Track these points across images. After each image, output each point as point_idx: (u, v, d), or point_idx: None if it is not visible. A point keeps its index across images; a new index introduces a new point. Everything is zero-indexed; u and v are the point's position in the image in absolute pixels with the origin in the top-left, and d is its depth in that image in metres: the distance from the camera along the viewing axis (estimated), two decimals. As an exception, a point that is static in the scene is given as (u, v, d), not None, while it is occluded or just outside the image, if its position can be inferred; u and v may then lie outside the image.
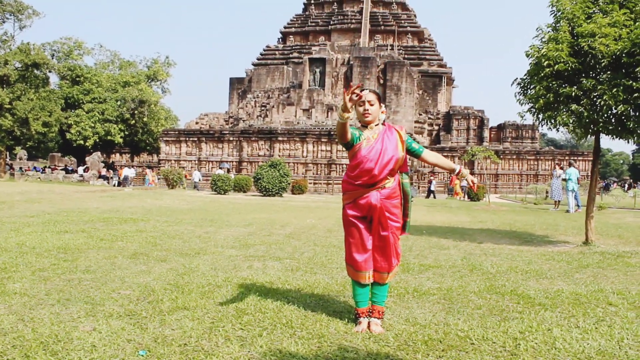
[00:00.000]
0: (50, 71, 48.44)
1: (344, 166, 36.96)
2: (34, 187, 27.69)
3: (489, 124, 49.52)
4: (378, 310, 4.06)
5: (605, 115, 8.84)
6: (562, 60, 8.64)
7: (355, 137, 3.99)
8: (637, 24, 8.40)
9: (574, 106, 8.80)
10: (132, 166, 48.11)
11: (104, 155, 53.43)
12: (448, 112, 50.69)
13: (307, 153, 39.13)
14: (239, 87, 54.06)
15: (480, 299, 5.01)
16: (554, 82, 8.95)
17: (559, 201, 22.35)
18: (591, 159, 10.19)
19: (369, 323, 3.97)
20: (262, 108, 47.44)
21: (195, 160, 41.45)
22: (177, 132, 43.13)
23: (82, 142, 48.06)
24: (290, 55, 53.27)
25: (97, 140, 48.69)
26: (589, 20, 8.79)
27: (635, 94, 8.15)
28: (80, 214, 12.74)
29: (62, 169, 48.23)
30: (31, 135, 43.62)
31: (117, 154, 58.85)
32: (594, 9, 9.08)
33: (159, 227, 10.54)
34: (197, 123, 49.95)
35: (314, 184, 38.37)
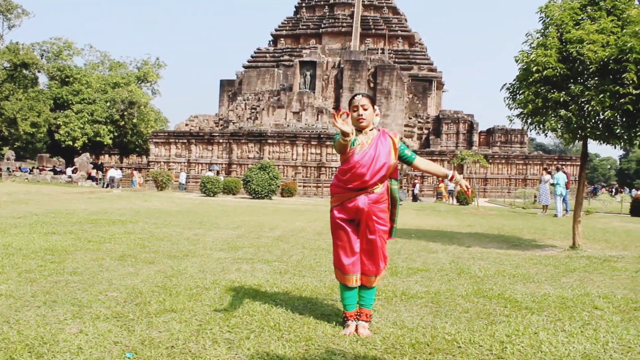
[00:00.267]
0: (39, 71, 48.25)
1: (334, 169, 36.98)
2: (22, 187, 27.48)
3: (478, 128, 49.76)
4: (366, 313, 4.07)
5: (593, 121, 8.94)
6: (550, 65, 8.72)
7: (350, 143, 3.99)
8: (624, 31, 8.49)
9: (562, 111, 8.88)
10: (121, 168, 47.92)
11: (93, 157, 53.14)
12: (438, 116, 50.90)
13: (297, 156, 39.13)
14: (230, 89, 53.99)
15: (467, 302, 5.03)
16: (542, 88, 9.02)
17: (546, 205, 22.49)
18: (579, 164, 10.27)
19: (356, 326, 3.97)
20: (252, 110, 47.39)
21: (184, 162, 41.33)
22: (166, 134, 42.98)
23: (70, 143, 47.80)
24: (281, 58, 53.29)
25: (86, 141, 48.46)
26: (577, 27, 8.87)
27: (622, 100, 8.24)
28: (68, 215, 12.66)
29: (50, 170, 47.80)
30: (19, 135, 43.37)
31: (106, 155, 58.54)
32: (582, 15, 9.17)
33: (147, 229, 10.49)
34: (187, 125, 49.80)
35: (304, 186, 38.37)
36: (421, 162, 4.30)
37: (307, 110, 44.41)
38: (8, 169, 47.77)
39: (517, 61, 9.54)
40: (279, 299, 4.90)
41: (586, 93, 8.58)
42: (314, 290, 5.36)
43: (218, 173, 36.47)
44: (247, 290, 5.22)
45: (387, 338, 3.82)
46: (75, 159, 46.13)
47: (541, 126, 9.45)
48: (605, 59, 8.40)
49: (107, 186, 37.99)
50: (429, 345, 3.68)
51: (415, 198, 35.17)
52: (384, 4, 56.84)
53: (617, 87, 8.25)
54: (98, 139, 48.78)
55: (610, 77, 8.53)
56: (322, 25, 54.79)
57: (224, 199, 26.16)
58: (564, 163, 43.18)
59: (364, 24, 54.37)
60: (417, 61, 53.05)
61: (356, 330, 3.94)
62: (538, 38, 9.45)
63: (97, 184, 40.34)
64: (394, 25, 54.98)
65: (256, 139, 39.93)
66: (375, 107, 4.13)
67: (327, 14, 56.30)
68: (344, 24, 54.27)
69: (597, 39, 8.44)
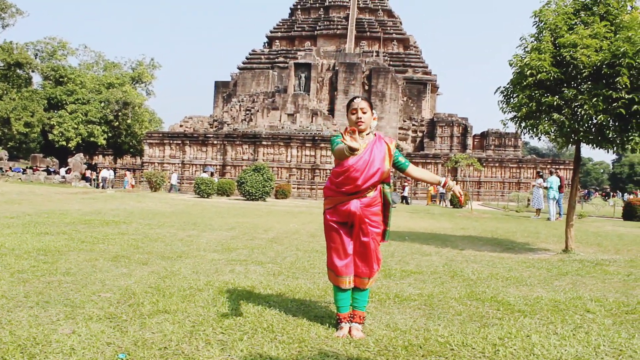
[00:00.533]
0: (33, 71, 48.06)
1: (328, 171, 36.99)
2: (15, 187, 27.36)
3: (472, 131, 49.87)
4: (359, 315, 4.08)
5: (586, 125, 8.99)
6: (544, 69, 8.76)
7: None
8: (617, 36, 8.57)
9: (555, 115, 8.92)
10: (115, 168, 47.78)
11: (87, 157, 52.96)
12: (432, 119, 50.98)
13: (291, 158, 39.12)
14: (224, 90, 53.94)
15: (460, 305, 5.05)
16: (536, 91, 9.07)
17: (540, 209, 22.57)
18: (572, 167, 10.33)
19: (350, 328, 3.98)
20: (247, 112, 47.35)
21: (179, 163, 41.23)
22: (161, 135, 42.87)
23: (64, 143, 47.59)
24: (276, 60, 53.31)
25: (80, 141, 48.24)
26: (571, 32, 8.93)
27: (615, 104, 8.30)
28: (61, 216, 12.62)
29: (43, 170, 47.62)
30: (12, 135, 43.16)
31: (100, 156, 58.33)
32: (576, 20, 9.23)
33: (141, 230, 10.47)
34: (181, 126, 49.68)
35: (298, 188, 38.35)
36: (414, 169, 4.30)
37: (302, 112, 44.41)
38: (1, 169, 47.55)
39: (511, 65, 9.59)
40: (273, 300, 4.91)
41: (579, 97, 8.63)
42: (307, 292, 5.37)
43: (212, 174, 36.40)
44: (241, 291, 5.22)
45: (380, 340, 3.83)
46: (69, 160, 45.93)
47: (534, 130, 9.50)
48: (599, 64, 8.46)
49: (101, 186, 37.87)
50: (421, 347, 3.69)
51: (404, 200, 35.27)
52: (379, 7, 56.96)
53: (610, 92, 8.30)
54: (92, 139, 48.57)
55: (603, 81, 8.59)
56: (317, 28, 54.85)
57: (218, 201, 26.12)
58: (557, 167, 43.33)
59: (359, 27, 54.47)
60: (412, 64, 53.15)
61: (349, 332, 3.95)
62: (532, 42, 9.49)
63: (90, 184, 40.20)
64: (388, 28, 55.09)
65: (250, 140, 39.90)
66: (374, 111, 4.14)
67: (322, 16, 56.37)
68: (339, 27, 54.34)
69: (590, 44, 8.49)
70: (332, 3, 56.84)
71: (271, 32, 56.70)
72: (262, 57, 54.74)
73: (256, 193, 27.71)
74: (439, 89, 57.07)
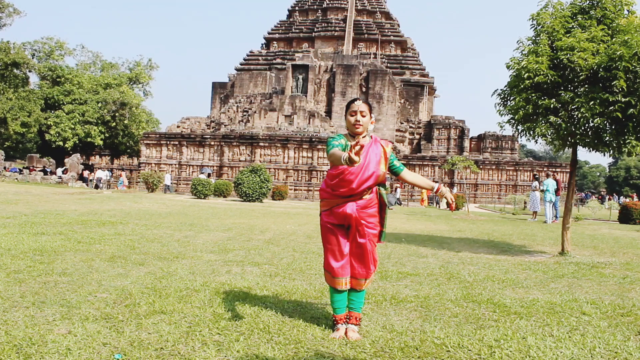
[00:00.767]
0: (30, 71, 47.94)
1: (325, 173, 36.78)
2: (11, 188, 27.30)
3: (469, 134, 49.94)
4: (355, 316, 4.08)
5: (583, 128, 9.01)
6: (541, 72, 8.79)
7: (343, 147, 3.94)
8: (613, 39, 8.59)
9: (552, 118, 8.94)
10: (112, 169, 47.68)
11: (84, 157, 52.82)
12: (429, 122, 51.05)
13: (288, 159, 39.13)
14: (222, 91, 53.94)
15: (457, 307, 5.05)
16: (533, 94, 9.09)
17: (536, 212, 22.61)
18: (569, 170, 10.35)
19: (346, 329, 3.99)
20: (244, 113, 47.35)
21: (175, 164, 41.22)
22: (158, 136, 42.86)
23: (61, 143, 47.47)
24: (274, 61, 53.34)
25: (77, 142, 48.12)
26: (568, 35, 8.96)
27: (611, 107, 8.33)
28: (58, 216, 12.59)
29: (40, 170, 47.57)
30: (9, 135, 43.05)
31: (97, 156, 58.18)
32: (573, 24, 9.26)
33: (137, 231, 10.46)
34: (178, 127, 49.65)
35: (295, 190, 38.36)
36: (408, 174, 4.30)
37: (299, 114, 44.42)
38: (-3, 168, 47.47)
39: (508, 68, 9.61)
40: (269, 301, 4.91)
41: (576, 100, 8.66)
42: (303, 293, 5.37)
43: (209, 176, 36.40)
44: (237, 292, 5.22)
45: (376, 341, 3.83)
46: (66, 160, 45.87)
47: (531, 132, 9.51)
48: (595, 67, 8.49)
49: (94, 186, 37.79)
50: (417, 349, 3.69)
51: (396, 201, 35.37)
52: (377, 9, 57.06)
53: (607, 95, 8.33)
54: (89, 139, 48.45)
55: (600, 84, 8.62)
56: (315, 29, 54.91)
57: (215, 202, 26.10)
58: (554, 170, 43.44)
59: (357, 29, 54.54)
60: (409, 66, 53.24)
61: (345, 333, 3.95)
62: (529, 45, 9.52)
63: (87, 185, 40.13)
64: (386, 30, 55.18)
65: (248, 141, 39.91)
66: (372, 115, 4.14)
67: (320, 18, 56.43)
68: (337, 28, 54.41)
69: (587, 47, 8.53)
70: (330, 5, 56.93)
71: (269, 33, 56.73)
72: (260, 58, 54.77)
73: (253, 194, 27.69)
74: (436, 91, 57.17)
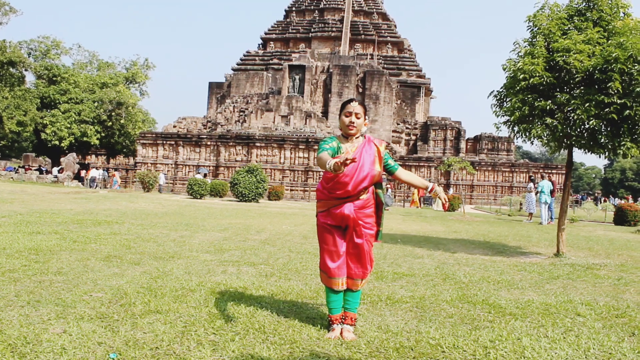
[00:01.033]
0: (26, 70, 47.79)
1: (321, 173, 36.81)
2: (7, 187, 27.22)
3: (465, 135, 50.00)
4: (350, 317, 4.09)
5: (578, 130, 9.04)
6: (537, 74, 8.82)
7: (334, 151, 3.95)
8: (609, 41, 8.63)
9: (548, 119, 8.97)
10: (108, 168, 47.56)
11: (80, 157, 52.69)
12: (426, 123, 51.09)
13: (285, 159, 39.11)
14: (218, 91, 53.89)
15: (452, 307, 5.06)
16: (529, 96, 9.11)
17: (532, 213, 22.67)
18: (564, 172, 10.38)
19: (341, 330, 3.99)
20: (241, 113, 47.32)
21: (172, 164, 41.15)
22: (154, 135, 42.77)
23: (57, 142, 47.33)
24: (270, 62, 53.30)
25: (73, 141, 47.98)
26: (564, 37, 8.99)
27: (607, 109, 8.36)
28: (53, 215, 12.56)
29: (36, 170, 47.40)
30: (5, 134, 42.92)
31: (93, 156, 58.06)
32: (569, 26, 9.29)
33: (133, 230, 10.44)
34: (174, 127, 49.58)
35: (291, 190, 38.35)
36: (403, 173, 4.30)
37: (296, 114, 44.42)
38: (-7, 168, 47.33)
39: (504, 69, 9.63)
40: (265, 301, 4.91)
41: (572, 102, 8.69)
42: (299, 293, 5.37)
43: (205, 176, 36.37)
44: (233, 292, 5.22)
45: (372, 342, 3.84)
46: (62, 159, 45.65)
47: (527, 134, 9.54)
48: (591, 69, 8.52)
49: (88, 185, 37.69)
50: (413, 349, 3.70)
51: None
52: (374, 10, 57.08)
53: (602, 97, 8.36)
54: (85, 139, 48.31)
55: (596, 86, 8.65)
56: (312, 30, 54.90)
57: (211, 202, 26.07)
58: (550, 171, 43.59)
59: (354, 29, 54.56)
60: (406, 67, 53.27)
61: (341, 333, 3.96)
62: (526, 47, 9.55)
63: (83, 184, 40.03)
64: (383, 31, 55.21)
65: (244, 142, 39.87)
66: (367, 117, 4.14)
67: (317, 18, 56.43)
68: (334, 29, 54.42)
69: (583, 49, 8.56)
70: (327, 5, 56.93)
71: (266, 33, 56.70)
72: (257, 58, 54.74)
73: (249, 194, 27.68)
74: (432, 92, 57.20)
